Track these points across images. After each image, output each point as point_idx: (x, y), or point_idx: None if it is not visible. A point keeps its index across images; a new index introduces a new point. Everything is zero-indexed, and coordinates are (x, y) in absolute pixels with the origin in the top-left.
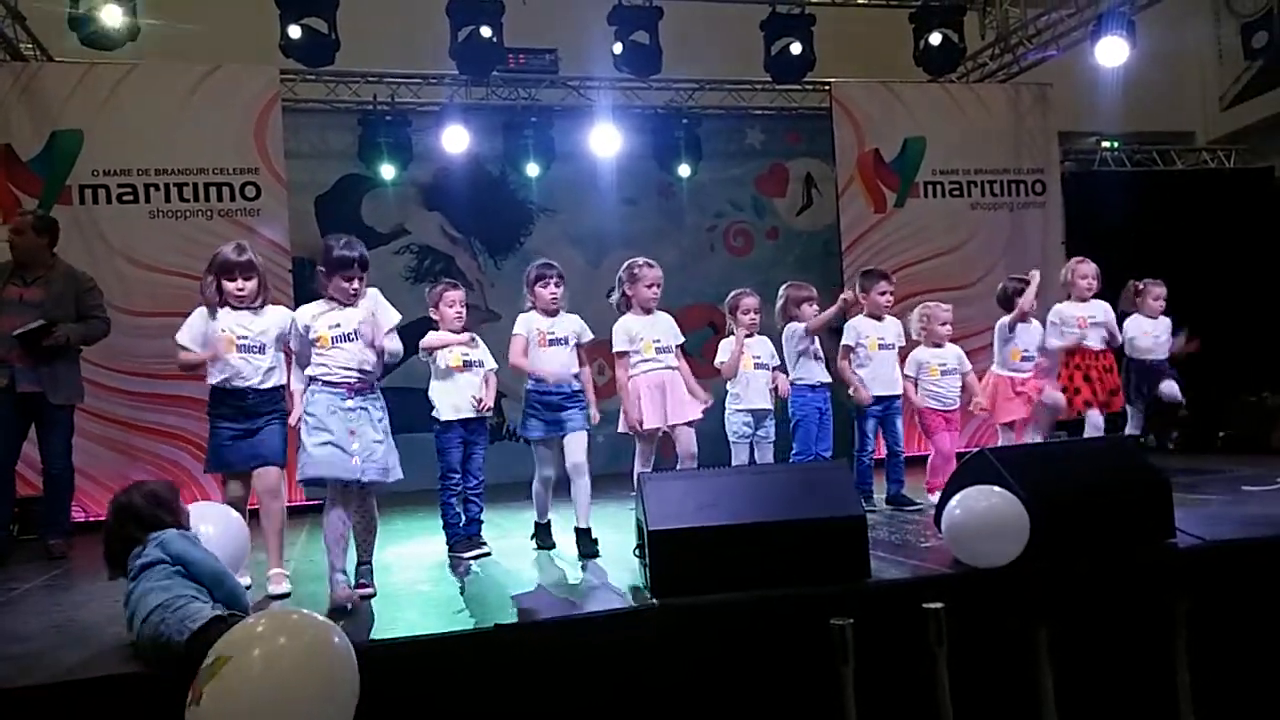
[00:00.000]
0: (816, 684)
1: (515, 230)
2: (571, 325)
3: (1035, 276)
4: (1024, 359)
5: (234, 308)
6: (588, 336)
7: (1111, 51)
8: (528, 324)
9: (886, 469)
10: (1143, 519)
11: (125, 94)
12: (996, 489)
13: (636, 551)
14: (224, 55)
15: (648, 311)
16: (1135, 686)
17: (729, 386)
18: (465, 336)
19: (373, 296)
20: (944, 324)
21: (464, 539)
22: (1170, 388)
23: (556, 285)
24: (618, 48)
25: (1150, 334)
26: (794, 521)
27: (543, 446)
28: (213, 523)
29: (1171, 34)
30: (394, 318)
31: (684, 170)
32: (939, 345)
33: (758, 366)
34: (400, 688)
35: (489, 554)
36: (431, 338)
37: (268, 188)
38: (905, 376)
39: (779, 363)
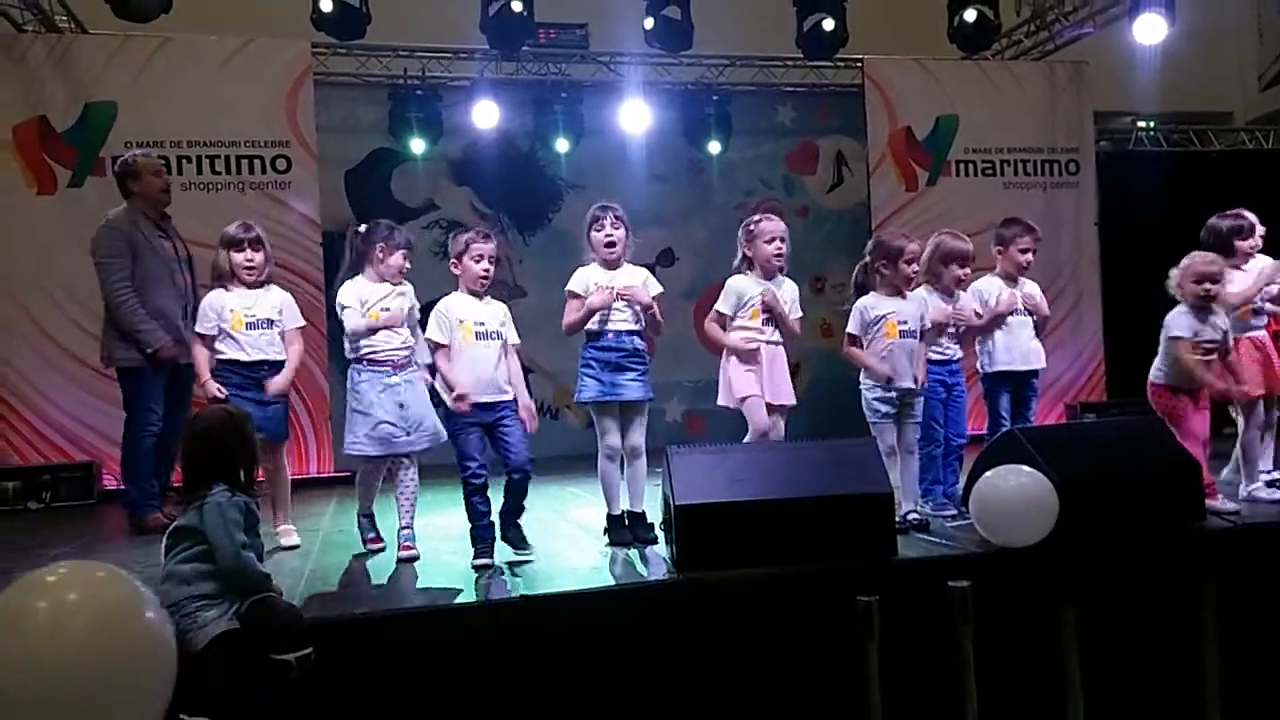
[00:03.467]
0: (840, 660)
1: (544, 206)
2: (636, 278)
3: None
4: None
5: (244, 282)
6: (656, 289)
7: (1150, 29)
8: (584, 280)
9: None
10: (1172, 500)
11: (158, 67)
12: (1026, 468)
13: (662, 525)
14: (256, 28)
15: (769, 275)
16: (1162, 667)
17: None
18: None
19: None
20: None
21: (488, 541)
22: None
23: (614, 226)
24: (649, 23)
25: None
26: (820, 498)
27: (603, 414)
28: None
29: (1210, 12)
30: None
31: (714, 147)
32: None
33: (905, 334)
34: (424, 656)
35: (532, 560)
36: (440, 359)
37: (299, 161)
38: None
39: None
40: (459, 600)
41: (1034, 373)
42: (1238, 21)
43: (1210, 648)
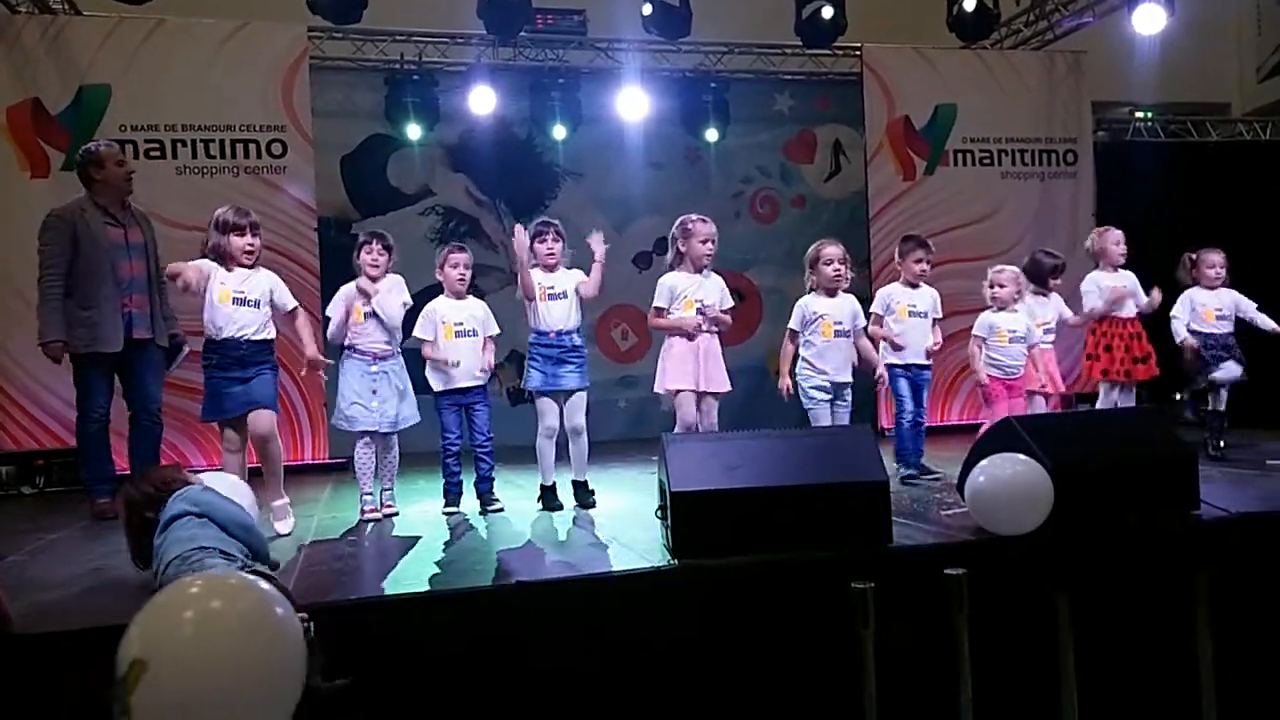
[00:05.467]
0: (836, 648)
1: (541, 193)
2: (570, 279)
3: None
4: (1045, 330)
5: (241, 265)
6: (588, 281)
7: (1149, 18)
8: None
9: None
10: (1168, 489)
11: (153, 49)
12: (1021, 457)
13: (658, 512)
14: (251, 12)
15: (699, 270)
16: (1156, 656)
17: (801, 350)
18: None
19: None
20: (1000, 289)
21: (457, 496)
22: (1229, 371)
23: (554, 240)
24: (647, 9)
25: (1205, 306)
26: (816, 485)
27: (544, 398)
28: (221, 489)
29: (1209, 3)
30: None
31: (711, 135)
32: (1005, 310)
33: (839, 334)
34: (421, 642)
35: (501, 509)
36: (426, 349)
37: (294, 146)
38: (975, 337)
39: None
40: (451, 586)
41: (927, 366)
42: (1236, 13)
43: (1204, 636)
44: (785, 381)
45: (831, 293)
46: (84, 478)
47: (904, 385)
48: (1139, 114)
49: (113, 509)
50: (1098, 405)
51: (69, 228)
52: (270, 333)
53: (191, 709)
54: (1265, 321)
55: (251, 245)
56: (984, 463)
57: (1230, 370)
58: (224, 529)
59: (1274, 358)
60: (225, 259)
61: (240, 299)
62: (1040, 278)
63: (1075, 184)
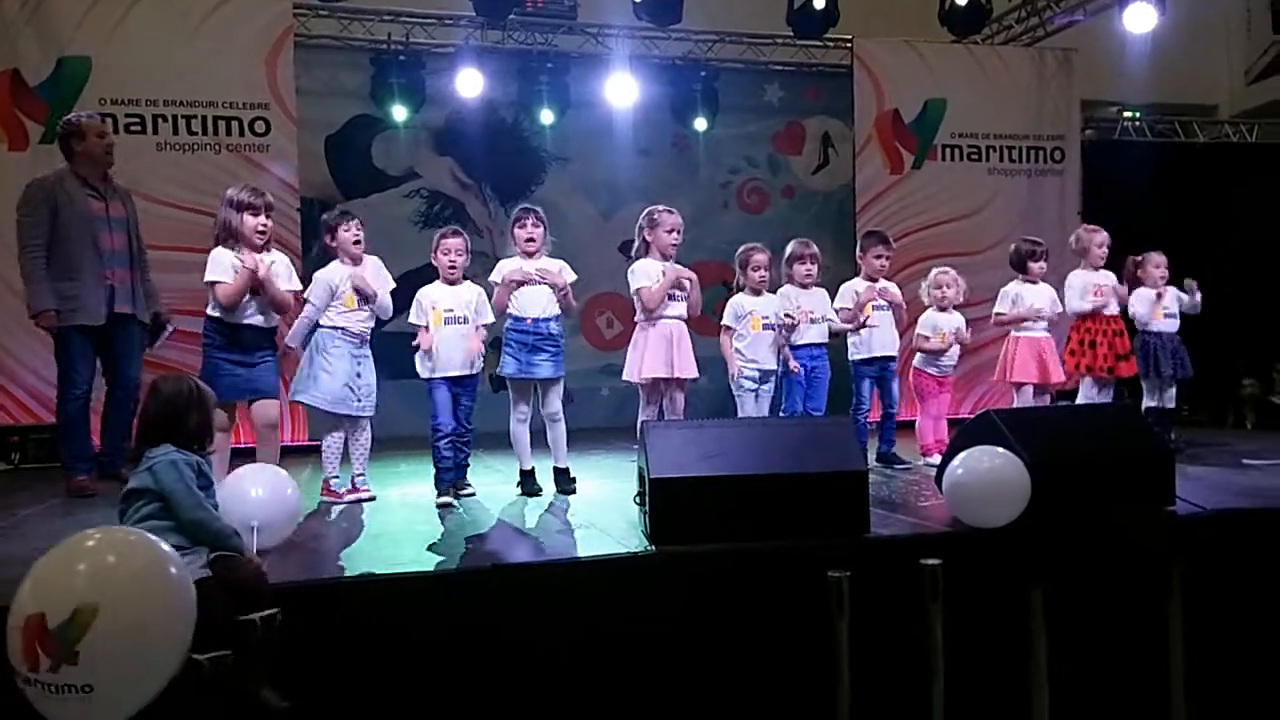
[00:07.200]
0: (811, 636)
1: (527, 178)
2: (551, 267)
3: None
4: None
5: (252, 246)
6: (570, 276)
7: (1140, 17)
8: (502, 269)
9: (879, 428)
10: (1144, 486)
11: (135, 21)
12: (1000, 450)
13: (637, 499)
14: None
15: (665, 259)
16: (1128, 649)
17: (734, 342)
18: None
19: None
20: (948, 289)
21: (448, 483)
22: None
23: (534, 226)
24: None
25: (1155, 305)
26: (795, 475)
27: (518, 387)
28: (263, 486)
29: (1200, 4)
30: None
31: (700, 124)
32: (944, 310)
33: (766, 327)
34: (397, 624)
35: (473, 494)
36: (422, 337)
37: (278, 124)
38: (918, 335)
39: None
40: (430, 568)
41: (892, 358)
42: (1226, 14)
43: (1175, 631)
44: (735, 370)
45: (758, 292)
46: (63, 455)
47: (866, 384)
48: (1127, 113)
49: (90, 486)
50: (1079, 400)
51: (49, 198)
52: (275, 319)
53: (138, 651)
54: (1195, 299)
55: (264, 226)
56: (962, 455)
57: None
58: (177, 522)
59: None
60: (235, 238)
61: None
62: (1019, 264)
63: (1062, 181)
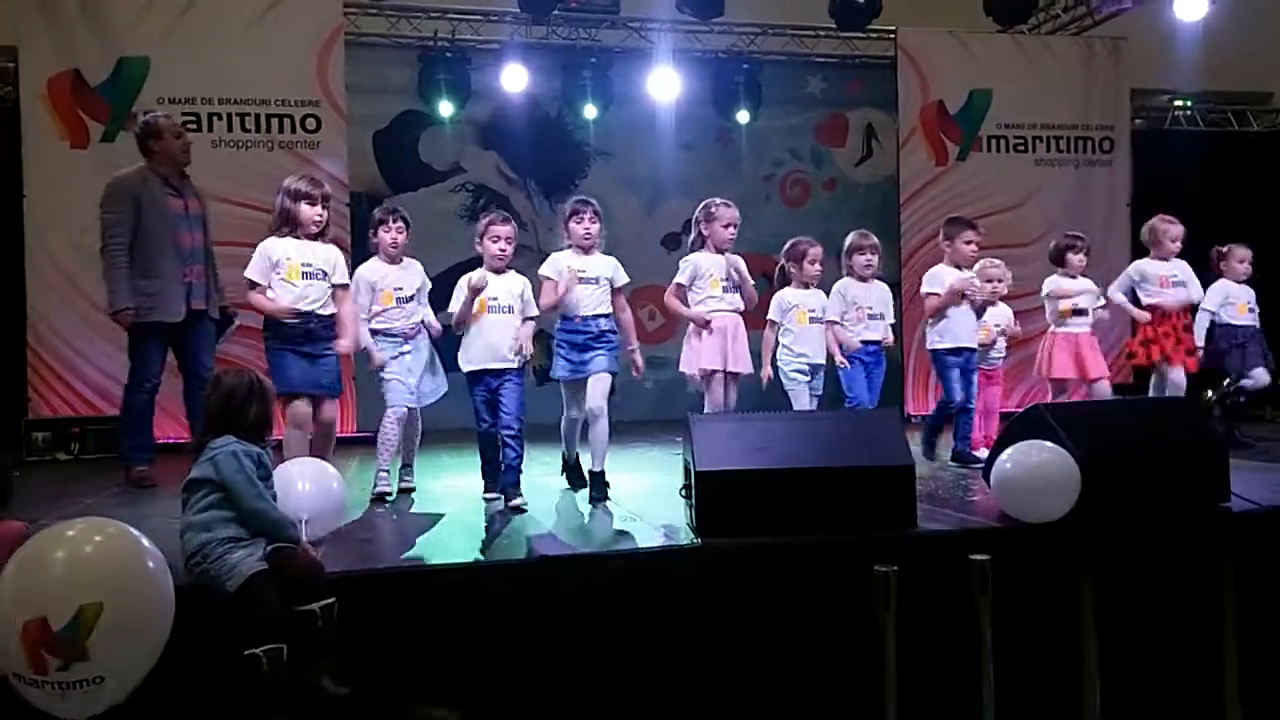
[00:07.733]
0: (857, 630)
1: (571, 172)
2: (605, 266)
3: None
4: (1076, 313)
5: (308, 236)
6: (622, 279)
7: (1191, 5)
8: (556, 264)
9: (955, 424)
10: (1196, 480)
11: (190, 21)
12: (1049, 444)
13: (683, 491)
14: None
15: (720, 252)
16: (1180, 645)
17: (780, 337)
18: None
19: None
20: (997, 281)
21: (499, 481)
22: (1259, 377)
23: (591, 221)
24: None
25: (1237, 300)
26: (841, 468)
27: (569, 386)
28: (309, 480)
29: None
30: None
31: (743, 117)
32: (991, 304)
33: (813, 320)
34: (444, 612)
35: (524, 510)
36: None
37: (328, 121)
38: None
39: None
40: (477, 558)
41: (974, 350)
42: None
43: (1229, 628)
44: (767, 370)
45: (805, 285)
46: (124, 445)
47: (955, 373)
48: (1178, 102)
49: (150, 476)
50: (1151, 392)
51: (133, 195)
52: (333, 308)
53: (140, 632)
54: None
55: (320, 216)
56: (1012, 450)
57: (1259, 378)
58: (236, 513)
59: None
60: (292, 225)
61: (308, 271)
62: (1058, 258)
63: (1111, 172)
